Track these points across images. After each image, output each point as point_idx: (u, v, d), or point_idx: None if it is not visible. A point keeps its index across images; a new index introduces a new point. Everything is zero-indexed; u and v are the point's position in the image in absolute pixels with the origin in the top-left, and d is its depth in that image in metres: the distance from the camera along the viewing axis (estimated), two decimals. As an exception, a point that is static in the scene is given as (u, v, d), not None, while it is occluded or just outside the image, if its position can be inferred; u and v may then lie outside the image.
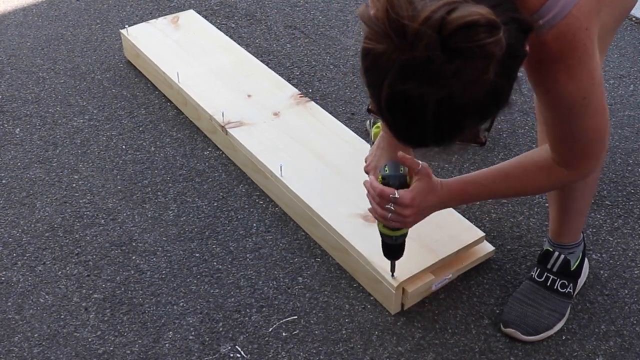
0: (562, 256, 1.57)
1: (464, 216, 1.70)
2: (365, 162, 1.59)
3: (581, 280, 1.63)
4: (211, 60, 2.24)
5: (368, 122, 1.84)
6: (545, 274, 1.59)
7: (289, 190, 1.77)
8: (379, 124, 1.68)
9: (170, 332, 1.55)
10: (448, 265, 1.62)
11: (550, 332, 1.55)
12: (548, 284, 1.58)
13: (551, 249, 1.59)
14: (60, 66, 2.43)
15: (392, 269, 1.53)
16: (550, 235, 1.60)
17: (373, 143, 1.62)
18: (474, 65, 0.96)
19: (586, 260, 1.65)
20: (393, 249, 1.48)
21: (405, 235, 1.46)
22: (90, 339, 1.54)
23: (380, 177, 1.40)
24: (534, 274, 1.61)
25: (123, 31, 2.37)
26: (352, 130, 1.97)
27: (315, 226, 1.73)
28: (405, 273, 1.54)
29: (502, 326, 1.54)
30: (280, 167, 1.80)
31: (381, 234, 1.47)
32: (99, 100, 2.26)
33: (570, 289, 1.58)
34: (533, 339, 1.53)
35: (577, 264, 1.59)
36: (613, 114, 2.15)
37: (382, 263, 1.56)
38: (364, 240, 1.62)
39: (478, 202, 1.84)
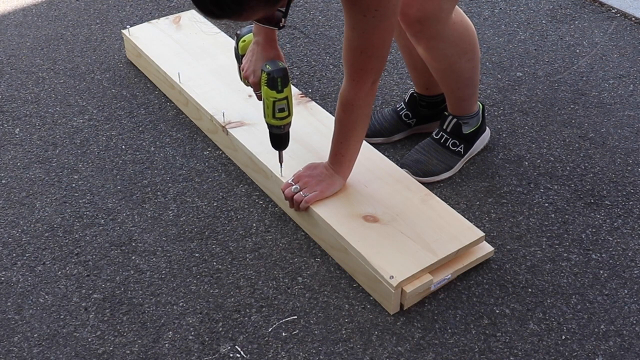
0: (455, 119, 1.91)
1: (463, 216, 1.70)
2: (242, 70, 1.79)
3: (478, 146, 1.97)
4: (212, 60, 2.24)
5: (235, 45, 1.88)
6: (441, 132, 1.94)
7: (288, 190, 1.77)
8: (244, 37, 1.80)
9: (170, 332, 1.55)
10: (447, 265, 1.62)
11: (436, 178, 1.90)
12: (441, 141, 1.93)
13: (447, 113, 1.93)
14: (60, 66, 2.43)
15: (281, 159, 1.77)
16: (448, 109, 1.93)
17: (240, 56, 1.83)
18: None
19: (487, 130, 2.00)
20: (283, 138, 1.73)
21: (290, 123, 1.71)
22: (90, 339, 1.54)
23: (264, 74, 1.62)
24: (433, 132, 1.96)
25: (125, 31, 2.37)
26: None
27: (315, 226, 1.73)
28: (404, 273, 1.54)
29: (400, 167, 1.85)
30: (281, 167, 1.80)
31: (271, 126, 1.70)
32: (99, 100, 2.26)
33: (460, 148, 1.93)
34: (421, 180, 1.85)
35: (471, 130, 1.93)
36: (613, 114, 2.15)
37: (381, 263, 1.56)
38: (364, 240, 1.62)
39: (477, 200, 1.84)
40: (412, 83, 2.24)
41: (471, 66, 1.82)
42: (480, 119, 1.95)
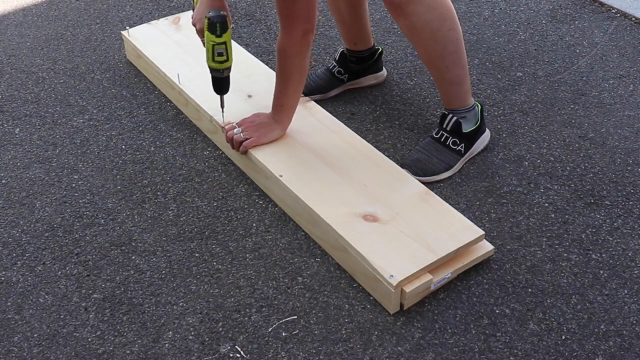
0: (455, 118, 1.93)
1: (463, 215, 1.70)
2: (192, 19, 2.00)
3: (478, 146, 1.99)
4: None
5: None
6: (441, 132, 1.96)
7: (289, 190, 1.77)
8: None
9: (170, 332, 1.55)
10: (447, 264, 1.62)
11: (437, 177, 1.91)
12: (441, 140, 1.95)
13: (446, 112, 1.96)
14: (60, 66, 2.43)
15: (222, 104, 1.94)
16: (444, 103, 1.98)
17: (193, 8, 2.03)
18: None
19: (487, 131, 2.02)
20: (223, 82, 1.89)
21: (229, 69, 1.86)
22: (90, 339, 1.54)
23: (206, 19, 1.77)
24: (433, 132, 1.99)
25: (124, 32, 2.37)
26: (352, 130, 1.97)
27: (314, 226, 1.73)
28: (404, 272, 1.54)
29: (400, 167, 1.87)
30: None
31: (211, 69, 1.86)
32: (99, 100, 2.26)
33: (461, 147, 1.95)
34: (421, 179, 1.87)
35: (471, 129, 1.95)
36: (613, 114, 2.15)
37: (381, 262, 1.56)
38: (363, 239, 1.62)
39: (477, 200, 1.84)
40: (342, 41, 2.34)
41: (454, 38, 1.83)
42: (479, 118, 1.97)
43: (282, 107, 1.87)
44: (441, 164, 1.92)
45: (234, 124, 1.93)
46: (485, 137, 2.01)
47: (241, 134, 1.89)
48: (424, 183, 1.82)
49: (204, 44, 1.87)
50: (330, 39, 2.52)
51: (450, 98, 1.94)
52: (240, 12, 2.69)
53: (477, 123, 1.96)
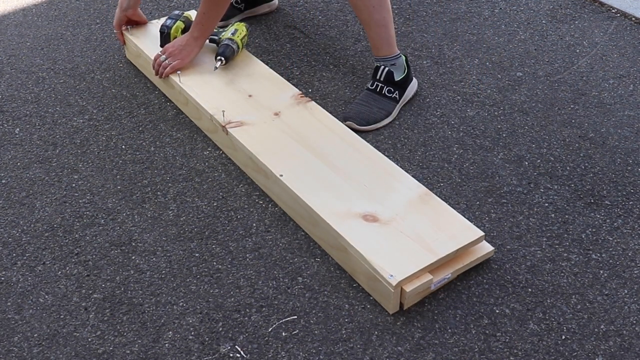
0: (387, 68, 2.12)
1: (463, 216, 1.70)
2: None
3: (409, 93, 2.18)
4: (211, 59, 2.24)
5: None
6: (375, 83, 2.14)
7: (289, 190, 1.77)
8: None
9: (170, 332, 1.55)
10: (447, 264, 1.62)
11: (379, 124, 2.09)
12: (377, 90, 2.13)
13: (378, 64, 2.14)
14: (60, 66, 2.43)
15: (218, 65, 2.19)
16: (373, 52, 2.16)
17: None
18: None
19: (414, 80, 2.21)
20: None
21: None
22: (90, 339, 1.54)
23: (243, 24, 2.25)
24: (368, 84, 2.16)
25: (125, 31, 2.37)
26: (352, 130, 1.97)
27: (314, 226, 1.73)
28: (404, 272, 1.54)
29: (343, 121, 2.04)
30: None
31: (238, 45, 2.22)
32: (99, 100, 2.26)
33: (396, 95, 2.13)
34: (365, 129, 2.07)
35: (401, 77, 2.14)
36: (613, 114, 2.15)
37: (381, 262, 1.56)
38: (363, 239, 1.62)
39: (477, 200, 1.84)
40: None
41: None
42: (406, 67, 2.15)
43: (203, 26, 2.11)
44: (381, 112, 2.10)
45: (159, 53, 2.17)
46: (414, 84, 2.21)
47: (167, 60, 2.14)
48: (369, 132, 2.05)
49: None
50: (330, 39, 2.53)
51: (379, 42, 2.11)
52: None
53: (405, 71, 2.15)
